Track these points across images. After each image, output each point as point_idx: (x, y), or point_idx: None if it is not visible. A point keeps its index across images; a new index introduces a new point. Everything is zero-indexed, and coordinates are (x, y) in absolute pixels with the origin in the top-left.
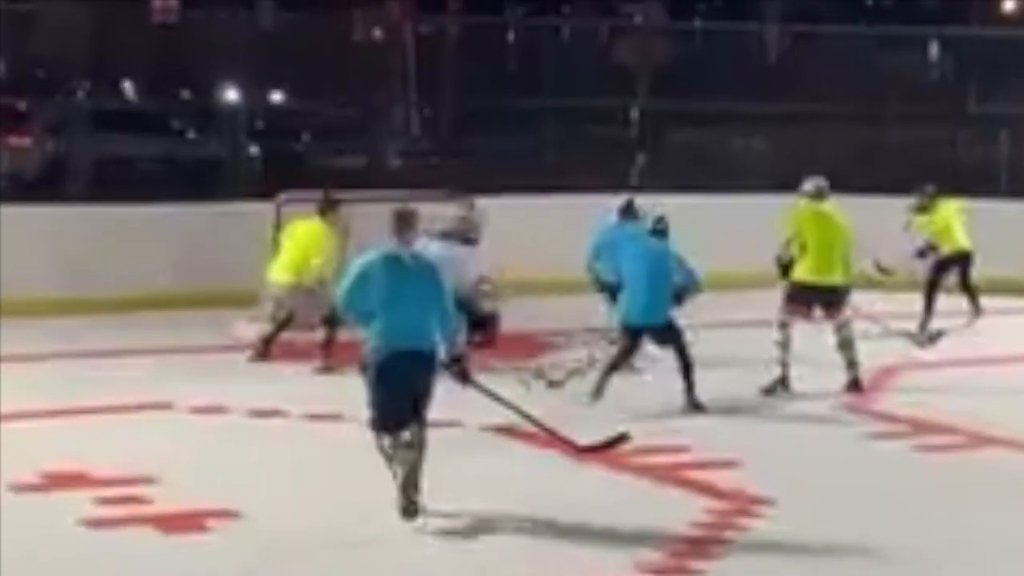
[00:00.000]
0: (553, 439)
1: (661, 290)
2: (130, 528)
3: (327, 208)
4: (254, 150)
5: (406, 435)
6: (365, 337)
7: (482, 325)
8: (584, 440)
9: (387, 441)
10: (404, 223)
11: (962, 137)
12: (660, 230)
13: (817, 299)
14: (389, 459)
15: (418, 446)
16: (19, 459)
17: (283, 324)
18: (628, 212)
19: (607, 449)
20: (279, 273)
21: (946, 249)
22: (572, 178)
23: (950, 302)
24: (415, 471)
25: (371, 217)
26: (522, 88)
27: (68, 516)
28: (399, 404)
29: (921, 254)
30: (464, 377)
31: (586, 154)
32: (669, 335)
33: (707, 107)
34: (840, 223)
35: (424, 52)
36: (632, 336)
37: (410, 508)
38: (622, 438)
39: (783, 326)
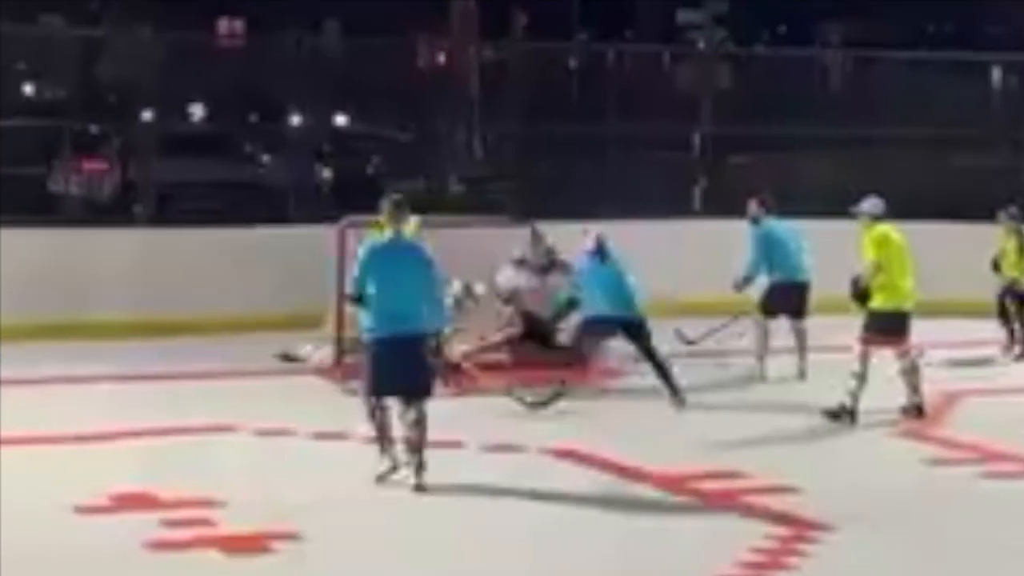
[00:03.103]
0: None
1: (627, 290)
2: (195, 551)
3: None
4: (325, 174)
5: (412, 414)
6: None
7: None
8: None
9: (375, 403)
10: (398, 210)
11: None
12: (601, 249)
13: (897, 326)
14: (374, 421)
15: (422, 424)
16: (86, 480)
17: None
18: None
19: (553, 401)
20: None
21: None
22: (634, 203)
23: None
24: (421, 449)
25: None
26: (585, 114)
27: (134, 538)
28: (390, 376)
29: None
30: (438, 353)
31: (648, 179)
32: (643, 333)
33: (769, 132)
34: (905, 244)
35: (487, 78)
36: (608, 328)
37: (420, 487)
38: (560, 394)
39: (864, 357)
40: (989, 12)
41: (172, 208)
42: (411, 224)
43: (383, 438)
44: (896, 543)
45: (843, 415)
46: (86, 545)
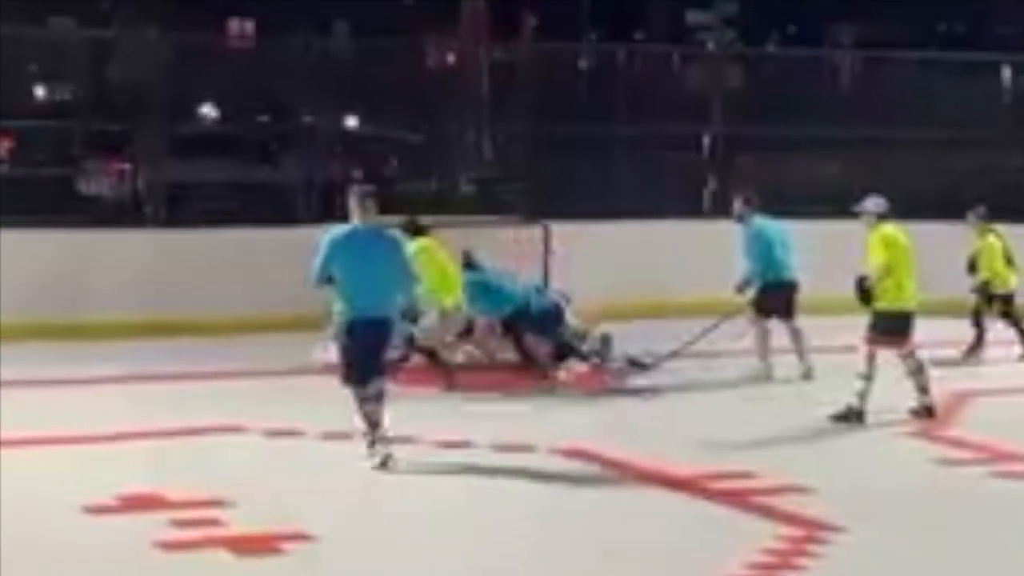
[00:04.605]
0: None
1: (504, 289)
2: (205, 551)
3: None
4: (338, 175)
5: (371, 389)
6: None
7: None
8: None
9: (354, 392)
10: (363, 202)
11: None
12: (470, 262)
13: (902, 327)
14: (362, 413)
15: (380, 399)
16: (95, 481)
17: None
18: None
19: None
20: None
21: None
22: (644, 204)
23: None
24: (380, 422)
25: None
26: (594, 114)
27: (143, 538)
28: (364, 362)
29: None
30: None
31: (658, 180)
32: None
33: (779, 133)
34: (910, 245)
35: (497, 78)
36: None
37: (386, 461)
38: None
39: (870, 358)
40: (999, 12)
41: (183, 209)
42: (412, 245)
43: (373, 431)
44: (905, 543)
45: (851, 416)
46: (95, 545)
